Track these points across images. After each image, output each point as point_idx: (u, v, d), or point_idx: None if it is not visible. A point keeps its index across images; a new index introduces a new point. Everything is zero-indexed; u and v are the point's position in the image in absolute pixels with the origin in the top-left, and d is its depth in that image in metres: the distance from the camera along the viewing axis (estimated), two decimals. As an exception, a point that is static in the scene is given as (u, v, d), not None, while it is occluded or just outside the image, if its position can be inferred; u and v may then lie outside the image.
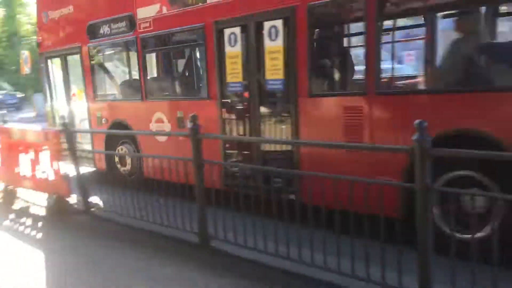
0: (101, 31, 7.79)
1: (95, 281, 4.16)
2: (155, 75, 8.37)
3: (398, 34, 5.14)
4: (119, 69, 8.60)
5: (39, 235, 5.56)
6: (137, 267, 4.40)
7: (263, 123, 5.88)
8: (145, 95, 7.35)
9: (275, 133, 5.77)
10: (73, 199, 6.31)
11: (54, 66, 9.10)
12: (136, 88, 7.51)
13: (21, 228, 5.89)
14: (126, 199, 5.56)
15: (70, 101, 8.95)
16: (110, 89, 8.59)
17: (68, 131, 6.09)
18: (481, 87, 4.23)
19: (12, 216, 6.42)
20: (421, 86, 5.02)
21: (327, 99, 5.28)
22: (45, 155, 6.33)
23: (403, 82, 5.26)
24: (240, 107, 6.12)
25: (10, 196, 7.09)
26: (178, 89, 7.81)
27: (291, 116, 5.48)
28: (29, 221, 6.10)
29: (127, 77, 8.01)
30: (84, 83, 8.37)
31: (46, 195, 6.63)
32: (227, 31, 5.89)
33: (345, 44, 5.81)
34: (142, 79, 7.34)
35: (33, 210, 6.60)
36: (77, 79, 8.59)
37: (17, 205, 6.88)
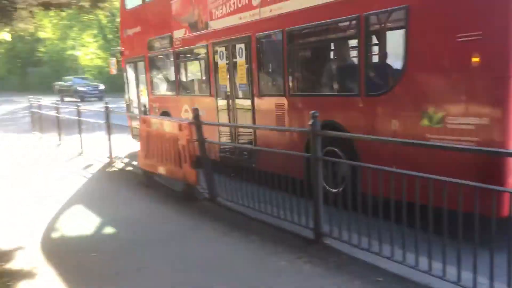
0: (155, 45, 10.47)
1: (207, 263, 4.44)
2: (184, 78, 10.61)
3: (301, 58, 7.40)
4: (165, 73, 11.05)
5: (169, 215, 6.08)
6: (252, 256, 4.59)
7: (239, 112, 8.14)
8: (178, 92, 9.89)
9: (245, 119, 7.92)
10: (200, 187, 6.75)
11: (130, 70, 12.03)
12: (173, 87, 10.14)
13: (154, 205, 6.50)
14: (246, 190, 5.83)
15: (139, 95, 11.65)
16: (161, 87, 11.11)
17: (198, 123, 6.54)
18: (331, 93, 6.62)
19: (146, 196, 7.11)
20: (310, 92, 6.98)
21: (267, 97, 7.51)
22: (178, 145, 6.86)
23: (303, 88, 7.11)
24: (225, 102, 8.41)
25: (148, 179, 7.82)
26: (194, 88, 10.25)
27: (251, 108, 7.72)
28: (160, 202, 6.70)
29: (169, 78, 10.67)
30: (145, 82, 11.18)
31: (178, 181, 7.20)
32: (218, 49, 8.37)
33: (274, 61, 7.58)
34: (177, 80, 9.95)
35: (165, 193, 7.22)
36: (143, 80, 11.40)
37: (152, 188, 7.58)
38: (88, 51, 43.69)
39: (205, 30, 8.63)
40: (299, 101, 6.80)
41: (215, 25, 8.35)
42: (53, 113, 13.24)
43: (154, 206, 6.65)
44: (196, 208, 6.34)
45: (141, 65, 11.27)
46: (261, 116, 7.50)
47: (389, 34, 6.25)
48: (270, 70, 7.78)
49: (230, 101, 8.25)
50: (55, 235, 5.62)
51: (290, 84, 6.95)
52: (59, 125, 12.72)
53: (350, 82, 6.09)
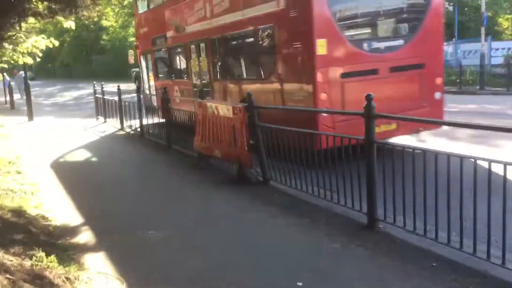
0: (157, 42, 13.61)
1: (258, 243, 4.50)
2: (174, 67, 13.39)
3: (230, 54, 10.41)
4: (163, 63, 14.02)
5: (222, 196, 6.20)
6: (304, 238, 4.60)
7: (204, 92, 9.97)
8: (171, 77, 13.19)
9: (204, 96, 9.38)
10: (254, 170, 6.82)
11: (143, 60, 15.19)
12: (168, 74, 13.55)
13: (208, 187, 6.65)
14: (299, 173, 5.83)
15: (148, 80, 14.91)
16: (161, 74, 14.13)
17: (252, 107, 6.59)
18: (239, 79, 9.64)
19: (201, 178, 7.28)
20: (240, 77, 9.82)
21: (216, 82, 10.51)
22: (232, 128, 6.95)
23: (233, 75, 10.08)
24: (196, 84, 11.53)
25: (203, 161, 7.98)
26: (180, 75, 13.02)
27: (210, 88, 10.74)
28: (214, 184, 6.84)
29: (166, 67, 13.79)
30: (152, 70, 14.36)
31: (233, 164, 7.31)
32: (191, 47, 11.56)
33: (219, 55, 10.54)
34: (170, 69, 13.38)
35: (219, 175, 7.36)
36: (151, 68, 14.52)
37: (207, 170, 7.75)
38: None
39: (183, 32, 11.69)
40: (232, 83, 9.99)
41: (188, 29, 11.44)
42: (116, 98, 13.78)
43: (208, 188, 6.80)
44: (249, 191, 6.42)
45: (149, 57, 14.48)
46: (217, 95, 10.45)
47: (267, 41, 8.75)
48: (218, 62, 10.63)
49: (199, 84, 11.34)
50: (116, 211, 5.88)
51: (228, 71, 10.31)
52: (122, 110, 13.23)
53: (253, 71, 9.38)
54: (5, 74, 23.04)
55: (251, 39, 9.15)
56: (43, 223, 5.34)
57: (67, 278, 3.79)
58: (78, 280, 3.82)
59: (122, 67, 40.97)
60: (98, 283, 3.82)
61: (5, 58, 11.14)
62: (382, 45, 7.74)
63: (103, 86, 15.56)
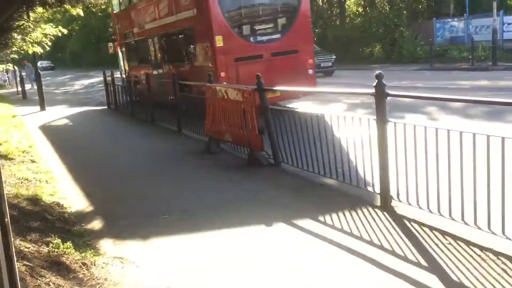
0: (128, 36, 16.78)
1: (269, 225, 4.52)
2: (140, 56, 16.39)
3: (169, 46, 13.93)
4: (133, 53, 17.00)
5: (233, 179, 6.22)
6: (316, 218, 4.61)
7: (160, 76, 13.88)
8: (138, 64, 16.40)
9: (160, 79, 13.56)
10: (265, 153, 6.82)
11: (120, 51, 18.26)
12: (136, 61, 16.77)
13: (219, 171, 6.67)
14: (310, 155, 5.82)
15: (125, 67, 17.99)
16: (132, 61, 17.29)
17: (261, 89, 6.56)
18: (176, 63, 12.97)
19: (211, 162, 7.31)
20: (178, 62, 12.97)
21: (164, 65, 13.67)
22: (243, 111, 6.93)
23: (170, 61, 13.54)
24: (154, 70, 14.62)
25: (214, 145, 8.00)
26: (144, 62, 15.77)
27: (162, 72, 13.74)
28: (225, 168, 6.86)
29: (135, 56, 16.87)
30: (126, 59, 17.70)
31: (243, 148, 7.31)
32: (149, 40, 14.72)
33: (162, 48, 14.06)
34: (137, 57, 16.54)
35: (230, 159, 7.38)
36: (125, 57, 17.77)
37: (218, 154, 7.77)
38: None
39: (144, 29, 14.87)
40: (173, 66, 12.94)
41: (147, 26, 14.60)
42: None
43: (218, 171, 6.82)
44: (260, 174, 6.43)
45: (124, 48, 17.64)
46: (165, 75, 13.28)
47: (190, 37, 11.89)
48: (164, 51, 13.95)
49: (155, 70, 14.53)
50: (130, 197, 5.93)
51: (170, 57, 13.53)
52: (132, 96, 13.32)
53: (183, 57, 12.67)
54: (10, 65, 23.34)
55: (181, 36, 12.73)
56: (59, 210, 5.41)
57: (84, 264, 3.85)
58: (95, 265, 3.87)
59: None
60: (114, 268, 3.87)
61: (14, 48, 11.19)
62: (264, 38, 11.37)
63: (113, 73, 15.58)
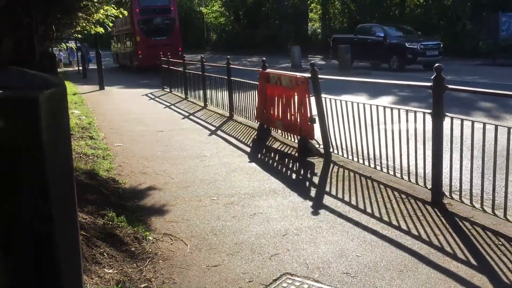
0: (115, 30, 27.99)
1: (313, 215, 4.53)
2: (123, 46, 29.26)
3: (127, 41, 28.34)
4: (119, 43, 30.20)
5: (282, 168, 6.26)
6: (363, 211, 4.58)
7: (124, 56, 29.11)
8: (124, 50, 28.85)
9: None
10: (315, 142, 6.80)
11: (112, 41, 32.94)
12: (119, 49, 30.50)
13: (268, 159, 6.72)
14: (362, 145, 5.76)
15: (113, 53, 33.46)
16: (116, 49, 31.78)
17: (315, 77, 6.52)
18: (127, 49, 28.47)
19: (260, 149, 7.36)
20: (125, 48, 29.04)
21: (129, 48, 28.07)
22: (295, 99, 6.93)
23: (125, 48, 28.78)
24: (128, 58, 28.36)
25: (264, 133, 8.05)
26: (124, 51, 28.94)
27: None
28: (273, 156, 6.91)
29: (119, 45, 30.17)
30: (114, 46, 32.66)
31: (294, 136, 7.32)
32: (125, 36, 28.25)
33: (124, 41, 28.86)
34: (124, 46, 28.90)
35: (279, 147, 7.41)
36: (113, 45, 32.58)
37: (269, 142, 7.82)
38: (212, 9, 45.48)
39: (129, 28, 25.83)
40: (128, 51, 27.29)
41: (121, 28, 27.39)
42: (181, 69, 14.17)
43: (269, 160, 6.87)
44: (309, 163, 6.43)
45: (115, 38, 30.94)
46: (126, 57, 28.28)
47: (131, 36, 26.20)
48: (124, 43, 28.25)
49: (130, 57, 26.81)
50: (181, 178, 6.10)
51: (125, 46, 28.39)
52: (186, 80, 13.59)
53: (128, 46, 27.17)
54: (68, 45, 25.75)
55: (128, 35, 25.73)
56: (114, 185, 5.65)
57: (136, 238, 4.02)
58: (146, 240, 4.04)
59: (193, 37, 42.01)
60: (164, 244, 4.02)
61: (78, 29, 11.58)
62: (159, 38, 24.13)
63: (169, 57, 15.94)
